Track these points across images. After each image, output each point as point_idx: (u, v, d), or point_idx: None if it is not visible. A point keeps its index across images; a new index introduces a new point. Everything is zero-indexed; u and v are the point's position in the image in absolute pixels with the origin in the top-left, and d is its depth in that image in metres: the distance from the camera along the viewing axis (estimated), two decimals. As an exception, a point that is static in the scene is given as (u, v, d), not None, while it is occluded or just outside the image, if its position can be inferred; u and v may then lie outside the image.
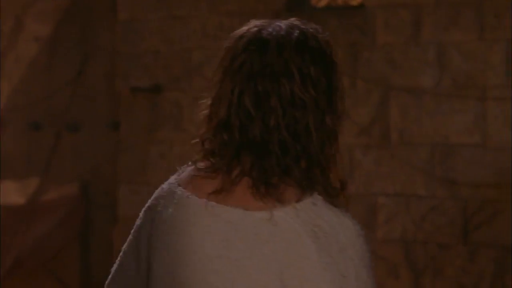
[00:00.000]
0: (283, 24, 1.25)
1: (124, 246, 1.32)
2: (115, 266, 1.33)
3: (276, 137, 1.19)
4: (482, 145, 3.45)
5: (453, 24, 3.52)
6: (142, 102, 4.14)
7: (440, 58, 3.55)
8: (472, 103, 3.44)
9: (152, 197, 1.29)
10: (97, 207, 4.28)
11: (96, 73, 4.29)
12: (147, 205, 1.30)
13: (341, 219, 1.19)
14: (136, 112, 4.15)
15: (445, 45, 3.53)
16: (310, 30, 1.25)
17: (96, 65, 4.29)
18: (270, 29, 1.23)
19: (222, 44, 1.27)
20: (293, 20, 1.26)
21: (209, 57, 3.98)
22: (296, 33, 1.23)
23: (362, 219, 3.70)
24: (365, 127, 3.67)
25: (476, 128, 3.45)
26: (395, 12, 3.61)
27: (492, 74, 3.44)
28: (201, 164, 1.26)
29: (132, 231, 1.31)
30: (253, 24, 1.26)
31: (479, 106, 3.45)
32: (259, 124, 1.20)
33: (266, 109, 1.20)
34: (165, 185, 1.28)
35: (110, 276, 1.33)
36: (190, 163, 1.29)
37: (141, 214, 1.31)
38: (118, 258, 1.33)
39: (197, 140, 1.26)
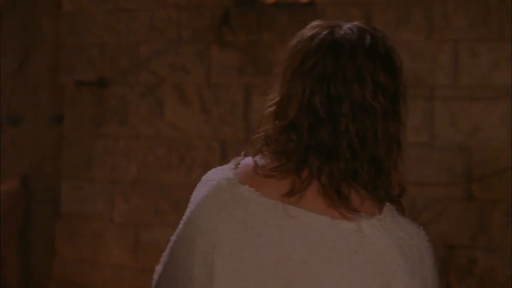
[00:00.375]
0: (352, 27, 1.26)
1: (175, 237, 1.29)
2: (166, 254, 1.30)
3: (345, 141, 1.20)
4: (429, 144, 3.50)
5: (402, 23, 3.56)
6: (86, 96, 4.07)
7: (389, 57, 3.58)
8: (420, 103, 3.49)
9: (205, 191, 1.27)
10: (38, 203, 4.19)
11: (39, 65, 4.20)
12: (199, 198, 1.27)
13: (416, 230, 1.22)
14: (81, 106, 4.09)
15: (395, 44, 3.56)
16: (379, 35, 1.26)
17: (39, 57, 4.20)
18: (342, 32, 1.24)
19: (288, 44, 1.27)
20: (359, 23, 1.27)
21: (157, 51, 3.94)
22: (368, 38, 1.24)
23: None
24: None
25: (423, 127, 3.49)
26: (346, 9, 3.63)
27: (440, 74, 3.49)
28: (261, 162, 1.25)
29: (182, 222, 1.29)
30: (320, 25, 1.26)
31: (427, 106, 3.49)
32: (329, 127, 1.21)
33: (337, 112, 1.21)
34: (222, 180, 1.26)
35: (162, 263, 1.30)
36: (242, 158, 1.29)
37: (191, 206, 1.28)
38: (169, 248, 1.30)
39: (258, 135, 1.26)
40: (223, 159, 3.85)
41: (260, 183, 1.23)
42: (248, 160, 1.28)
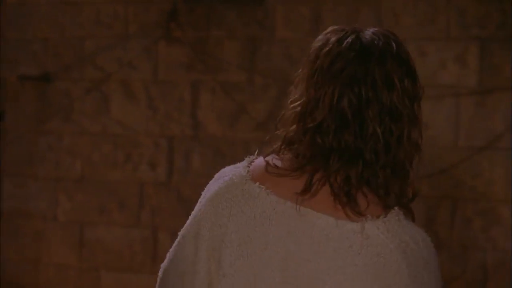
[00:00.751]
0: (377, 32, 1.30)
1: (183, 231, 1.32)
2: (173, 249, 1.33)
3: (370, 144, 1.24)
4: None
5: (352, 21, 3.60)
6: (29, 91, 4.01)
7: (338, 55, 3.63)
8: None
9: (217, 187, 1.30)
10: (-22, 201, 4.12)
11: (-21, 59, 4.13)
12: (210, 194, 1.30)
13: (422, 235, 1.26)
14: (23, 101, 4.03)
15: (344, 42, 3.62)
16: (400, 41, 1.31)
17: (-21, 51, 4.12)
18: (368, 37, 1.28)
19: (309, 45, 1.31)
20: (381, 29, 1.31)
21: (102, 46, 3.91)
22: (393, 44, 1.29)
23: (258, 215, 3.74)
24: (262, 122, 3.71)
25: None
26: (295, 7, 3.66)
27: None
28: (276, 162, 1.27)
29: (192, 217, 1.31)
30: (344, 29, 1.30)
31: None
32: (355, 129, 1.24)
33: (364, 116, 1.24)
34: (234, 177, 1.29)
35: (168, 259, 1.32)
36: (255, 157, 1.32)
37: (202, 201, 1.31)
38: (176, 243, 1.32)
39: (277, 134, 1.28)
40: (171, 157, 3.84)
41: (271, 181, 1.26)
42: (260, 160, 1.31)
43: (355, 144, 1.24)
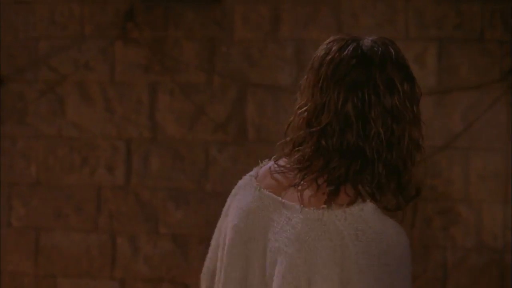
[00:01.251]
0: (376, 40, 1.44)
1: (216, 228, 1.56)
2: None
3: (372, 144, 1.37)
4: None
5: (311, 21, 3.67)
6: (-18, 93, 3.99)
7: (298, 55, 3.68)
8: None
9: (236, 186, 1.53)
10: None
11: None
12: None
13: (386, 227, 1.37)
14: (-25, 104, 4.00)
15: (303, 43, 3.68)
16: (398, 48, 1.46)
17: None
18: (367, 45, 1.43)
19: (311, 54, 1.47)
20: (381, 38, 1.46)
21: (57, 47, 3.90)
22: (392, 50, 1.44)
23: (218, 216, 3.77)
24: (221, 124, 3.74)
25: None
26: (254, 7, 3.71)
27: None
28: (281, 163, 1.45)
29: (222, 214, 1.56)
30: (344, 38, 1.45)
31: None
32: (358, 130, 1.38)
33: (367, 117, 1.38)
34: (246, 176, 1.51)
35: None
36: (269, 160, 1.50)
37: (227, 200, 1.55)
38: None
39: (285, 140, 1.44)
40: (129, 160, 3.86)
41: (269, 178, 1.46)
42: (270, 161, 1.50)
43: (357, 142, 1.37)
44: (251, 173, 1.51)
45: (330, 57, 1.42)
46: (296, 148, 1.43)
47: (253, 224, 1.44)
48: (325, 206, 1.37)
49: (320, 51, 1.45)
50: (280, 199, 1.43)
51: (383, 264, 1.33)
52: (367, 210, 1.37)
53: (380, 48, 1.42)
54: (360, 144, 1.37)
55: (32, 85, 3.94)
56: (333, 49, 1.43)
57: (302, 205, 1.39)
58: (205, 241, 3.93)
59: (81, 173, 3.90)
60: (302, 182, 1.40)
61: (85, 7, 3.88)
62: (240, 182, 1.52)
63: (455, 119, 3.57)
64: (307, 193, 1.40)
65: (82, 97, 3.90)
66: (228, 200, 1.54)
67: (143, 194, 3.83)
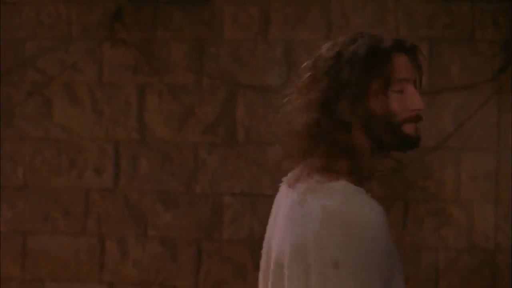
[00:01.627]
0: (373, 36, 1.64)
1: None
2: None
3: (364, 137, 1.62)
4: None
5: (300, 22, 3.68)
6: (-33, 95, 3.99)
7: (287, 56, 3.70)
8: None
9: None
10: None
11: None
12: None
13: (355, 207, 1.48)
14: (-39, 106, 4.00)
15: (293, 43, 3.69)
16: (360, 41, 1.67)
17: None
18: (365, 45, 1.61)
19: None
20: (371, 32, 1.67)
21: (44, 48, 3.91)
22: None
23: (208, 219, 3.79)
24: (211, 125, 3.75)
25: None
26: (243, 7, 3.72)
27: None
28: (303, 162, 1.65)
29: None
30: (342, 41, 1.62)
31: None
32: (355, 129, 1.58)
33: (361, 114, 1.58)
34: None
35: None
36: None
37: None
38: None
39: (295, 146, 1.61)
40: (117, 162, 3.87)
41: (289, 176, 1.66)
42: None
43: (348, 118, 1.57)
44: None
45: (329, 62, 1.61)
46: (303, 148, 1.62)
47: (273, 215, 1.71)
48: (305, 188, 1.56)
49: (330, 51, 1.62)
50: (288, 188, 1.64)
51: (308, 226, 1.50)
52: (339, 190, 1.52)
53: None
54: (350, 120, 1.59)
55: (19, 87, 3.94)
56: (330, 55, 1.63)
57: (292, 188, 1.60)
58: (194, 243, 3.95)
59: (68, 175, 3.90)
60: (302, 173, 1.60)
61: (72, 8, 3.88)
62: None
63: (446, 119, 3.59)
64: (293, 176, 1.63)
65: (70, 98, 3.91)
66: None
67: (131, 196, 3.84)
